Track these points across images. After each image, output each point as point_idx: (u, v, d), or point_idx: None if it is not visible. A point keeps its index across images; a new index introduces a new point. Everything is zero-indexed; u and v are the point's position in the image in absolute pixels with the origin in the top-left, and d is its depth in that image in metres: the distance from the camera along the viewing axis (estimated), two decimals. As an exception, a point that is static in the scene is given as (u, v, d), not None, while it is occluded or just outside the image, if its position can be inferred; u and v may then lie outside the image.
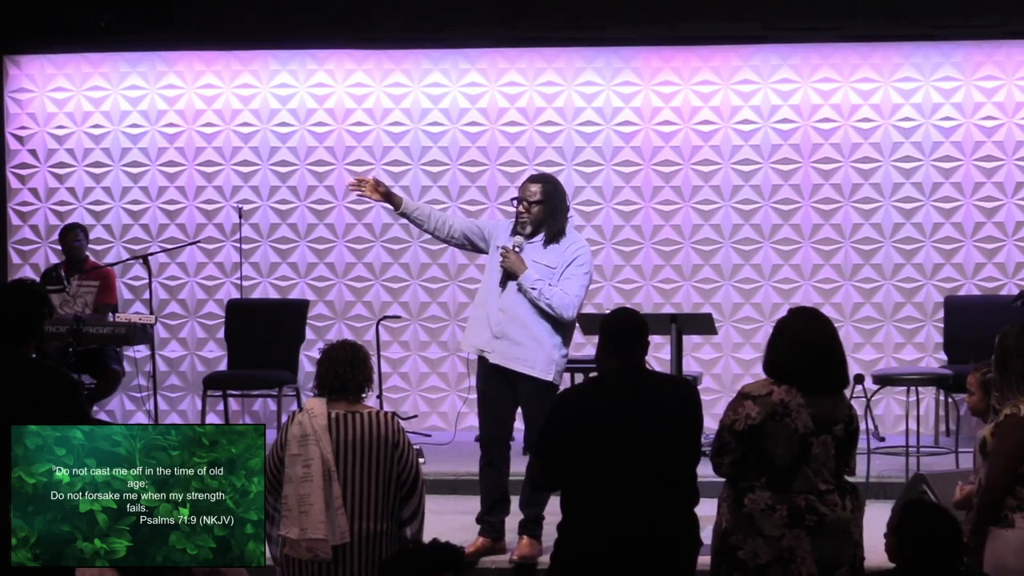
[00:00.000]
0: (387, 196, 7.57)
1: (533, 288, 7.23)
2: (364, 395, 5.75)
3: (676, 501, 5.39)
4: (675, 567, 5.38)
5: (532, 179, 7.51)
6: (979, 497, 5.49)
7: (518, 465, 7.65)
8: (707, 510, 5.56)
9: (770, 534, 5.23)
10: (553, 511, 6.26)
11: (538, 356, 7.30)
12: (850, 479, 5.46)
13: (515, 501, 7.51)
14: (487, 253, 7.55)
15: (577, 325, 7.54)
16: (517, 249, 7.32)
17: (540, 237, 7.36)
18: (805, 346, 5.34)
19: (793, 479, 5.24)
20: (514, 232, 7.41)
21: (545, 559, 7.17)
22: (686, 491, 5.43)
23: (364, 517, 5.61)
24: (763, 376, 5.39)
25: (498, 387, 7.38)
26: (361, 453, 5.62)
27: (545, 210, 7.36)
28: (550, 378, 7.32)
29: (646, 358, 5.66)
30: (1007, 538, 5.39)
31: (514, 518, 7.50)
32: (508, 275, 7.31)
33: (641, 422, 5.36)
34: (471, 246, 7.65)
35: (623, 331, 5.56)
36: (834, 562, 5.27)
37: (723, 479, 5.41)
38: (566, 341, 7.40)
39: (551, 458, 5.50)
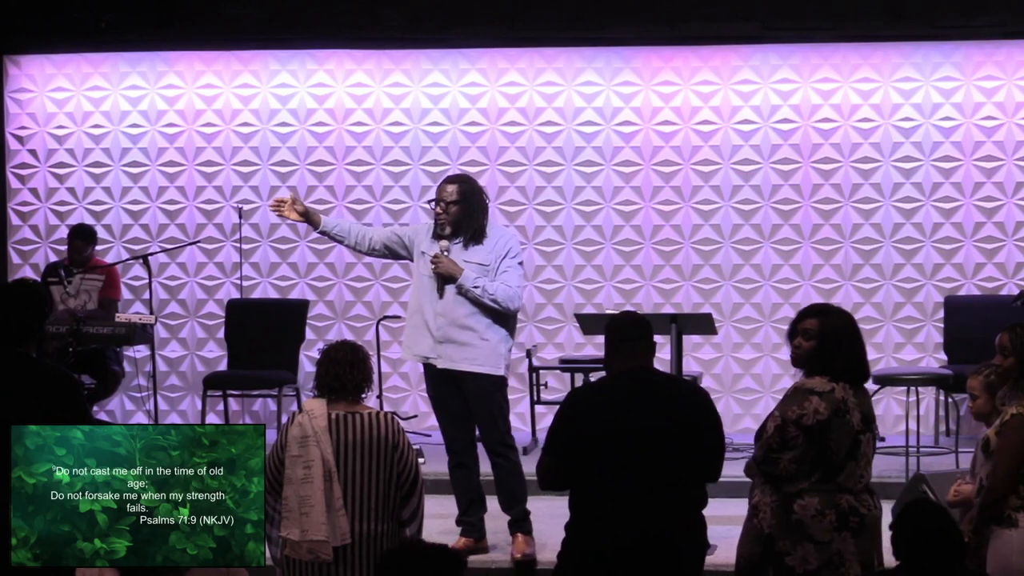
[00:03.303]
0: (305, 215, 7.57)
1: (475, 287, 7.24)
2: (364, 395, 5.74)
3: (684, 502, 5.37)
4: (682, 568, 5.37)
5: (449, 179, 7.51)
6: (982, 496, 5.49)
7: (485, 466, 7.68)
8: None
9: (820, 539, 5.24)
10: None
11: (486, 354, 7.33)
12: None
13: (493, 501, 7.55)
14: (411, 260, 7.55)
15: (577, 324, 7.54)
16: (446, 253, 7.32)
17: (462, 238, 7.35)
18: (860, 338, 5.39)
19: (839, 475, 5.26)
20: (434, 234, 7.40)
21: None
22: (694, 492, 5.42)
23: (364, 518, 5.60)
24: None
25: (450, 391, 7.42)
26: (361, 454, 5.61)
27: (463, 210, 7.34)
28: (500, 373, 7.36)
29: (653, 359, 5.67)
30: (1010, 537, 5.39)
31: (502, 519, 7.54)
32: (445, 279, 7.31)
33: (650, 422, 5.35)
34: (391, 255, 7.66)
35: (630, 332, 5.55)
36: (871, 561, 5.31)
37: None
38: (511, 333, 7.44)
39: (560, 457, 5.49)
